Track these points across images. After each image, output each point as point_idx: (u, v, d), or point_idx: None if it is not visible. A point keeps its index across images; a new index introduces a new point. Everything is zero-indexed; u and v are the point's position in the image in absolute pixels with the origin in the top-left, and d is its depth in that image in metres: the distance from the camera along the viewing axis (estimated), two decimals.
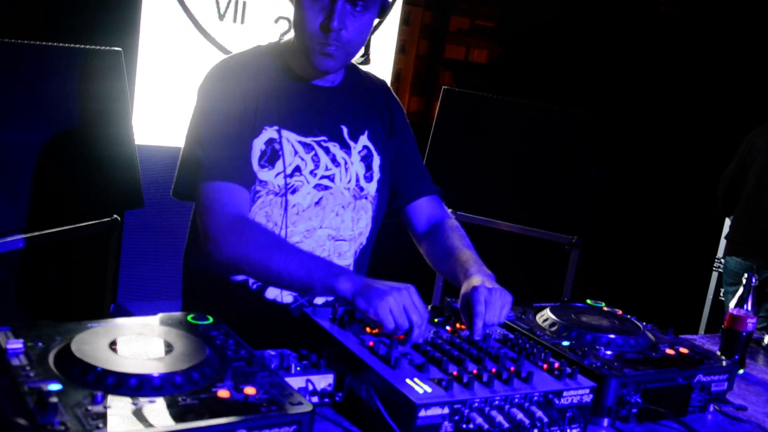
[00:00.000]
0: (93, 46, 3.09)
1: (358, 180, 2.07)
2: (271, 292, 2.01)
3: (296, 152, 1.97)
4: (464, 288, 1.90)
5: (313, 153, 1.99)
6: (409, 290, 1.68)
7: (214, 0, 4.11)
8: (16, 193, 2.73)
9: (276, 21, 4.30)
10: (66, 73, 2.94)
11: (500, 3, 7.25)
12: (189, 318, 1.66)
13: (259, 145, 1.93)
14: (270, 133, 1.94)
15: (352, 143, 2.07)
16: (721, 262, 4.69)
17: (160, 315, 1.67)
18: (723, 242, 4.66)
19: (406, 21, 5.50)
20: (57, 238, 2.97)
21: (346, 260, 2.09)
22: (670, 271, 5.16)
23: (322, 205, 2.01)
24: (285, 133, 1.95)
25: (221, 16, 4.15)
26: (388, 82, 4.85)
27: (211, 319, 1.66)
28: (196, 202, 1.91)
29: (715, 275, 4.78)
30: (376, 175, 2.11)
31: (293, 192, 1.96)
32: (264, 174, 1.93)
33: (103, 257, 3.31)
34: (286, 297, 2.01)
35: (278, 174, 1.94)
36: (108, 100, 3.15)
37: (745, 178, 4.19)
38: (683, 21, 6.17)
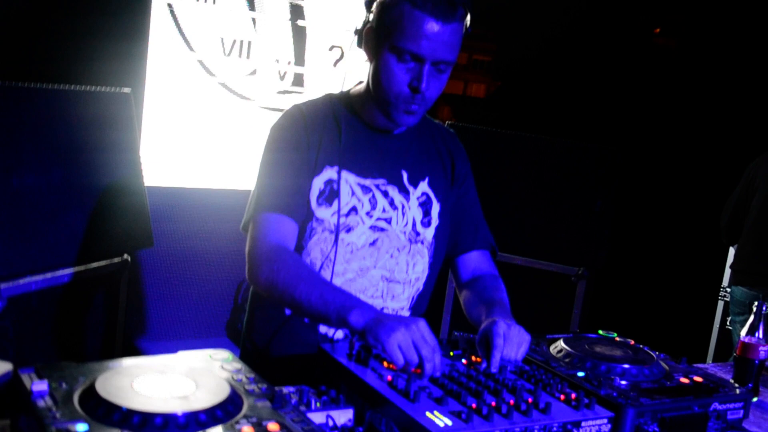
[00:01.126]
0: (102, 88, 3.13)
1: (414, 224, 2.11)
2: (323, 327, 2.06)
3: (353, 193, 2.03)
4: (483, 325, 1.92)
5: (370, 195, 2.05)
6: (419, 324, 1.69)
7: (220, 40, 4.15)
8: (29, 236, 2.74)
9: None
10: (76, 115, 2.98)
11: (497, 38, 7.32)
12: (209, 355, 1.67)
13: (318, 183, 2.00)
14: (330, 173, 2.01)
15: (411, 188, 2.11)
16: (726, 291, 4.69)
17: (180, 353, 1.68)
18: (728, 271, 4.66)
19: None
20: (69, 279, 2.98)
21: (400, 303, 2.12)
22: (676, 301, 5.16)
23: (377, 246, 2.06)
24: (344, 173, 2.02)
25: (226, 56, 4.20)
26: None
27: (230, 357, 1.67)
28: (249, 233, 1.99)
29: (721, 304, 4.78)
30: (435, 222, 2.15)
31: (348, 231, 2.02)
32: (321, 212, 2.00)
33: (114, 297, 3.32)
34: (338, 333, 2.06)
35: (334, 213, 2.00)
36: (118, 141, 3.18)
37: (748, 207, 4.21)
38: (679, 52, 6.23)
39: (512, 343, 1.81)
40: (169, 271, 4.07)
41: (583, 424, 1.60)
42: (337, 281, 2.03)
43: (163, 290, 4.10)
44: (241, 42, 4.22)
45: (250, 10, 4.20)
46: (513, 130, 4.34)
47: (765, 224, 4.10)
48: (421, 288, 2.16)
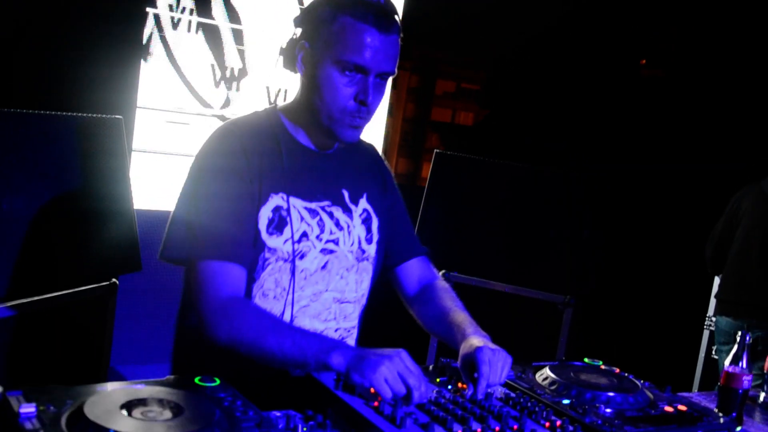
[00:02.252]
0: (94, 115, 3.14)
1: (360, 243, 2.09)
2: None
3: (302, 218, 1.98)
4: (464, 348, 1.92)
5: (318, 218, 2.01)
6: (401, 356, 1.69)
7: (210, 67, 4.18)
8: (18, 259, 2.74)
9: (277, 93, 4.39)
10: (67, 141, 2.99)
11: (485, 67, 7.37)
12: (197, 380, 1.67)
13: (266, 213, 1.94)
14: (276, 200, 1.95)
15: (353, 206, 2.10)
16: (712, 321, 4.71)
17: (168, 378, 1.69)
18: (713, 301, 4.69)
19: (393, 85, 5.61)
20: (56, 302, 2.98)
21: (351, 322, 2.11)
22: (662, 330, 5.18)
23: (328, 269, 2.03)
24: (292, 200, 1.97)
25: (217, 84, 4.23)
26: (379, 144, 4.93)
27: (218, 381, 1.68)
28: (191, 278, 1.90)
29: (706, 333, 4.81)
30: (375, 237, 2.14)
31: (301, 257, 1.97)
32: (272, 241, 1.94)
33: (101, 320, 3.32)
34: None
35: (286, 240, 1.95)
36: (108, 166, 3.19)
37: (732, 238, 4.25)
38: (665, 83, 6.29)
39: (496, 367, 1.81)
40: (158, 294, 4.06)
41: None
42: (291, 309, 1.99)
43: (151, 314, 4.09)
44: (232, 69, 4.25)
45: (237, 44, 4.23)
46: (501, 158, 4.37)
47: (748, 255, 4.13)
48: (365, 303, 2.16)
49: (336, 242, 2.04)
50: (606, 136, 5.85)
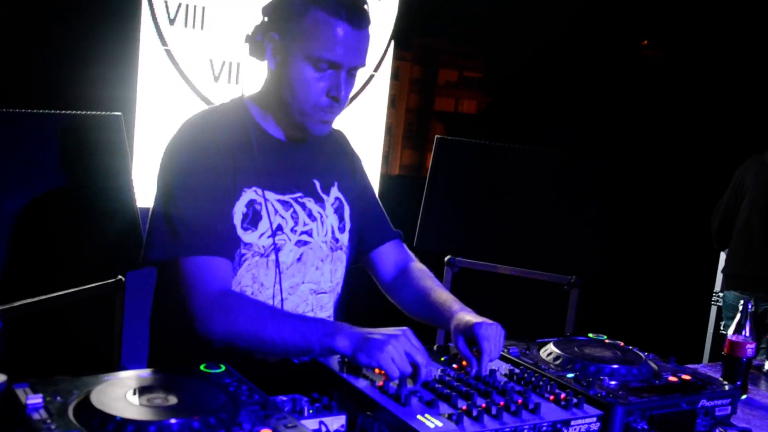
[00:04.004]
0: (93, 112, 3.16)
1: (333, 232, 2.09)
2: None
3: (276, 211, 1.96)
4: (459, 325, 1.93)
5: (291, 210, 1.99)
6: (406, 334, 1.70)
7: (209, 62, 4.20)
8: (22, 258, 2.76)
9: None
10: (67, 139, 3.00)
11: (487, 54, 7.37)
12: (202, 367, 1.69)
13: (240, 208, 1.92)
14: (250, 194, 1.93)
15: (324, 196, 2.08)
16: (719, 296, 4.71)
17: (174, 365, 1.70)
18: (720, 276, 4.69)
19: (395, 76, 5.62)
20: (63, 301, 3.00)
21: (327, 312, 2.10)
22: (669, 307, 5.18)
23: (303, 261, 2.02)
24: (267, 193, 1.95)
25: (216, 78, 4.24)
26: (381, 136, 4.94)
27: (223, 368, 1.69)
28: (177, 276, 1.86)
29: (714, 309, 4.81)
30: (348, 225, 2.14)
31: (278, 251, 1.96)
32: (248, 236, 1.92)
33: (109, 317, 3.34)
34: None
35: (262, 234, 1.94)
36: (109, 163, 3.21)
37: (737, 211, 4.25)
38: (666, 62, 6.28)
39: (497, 343, 1.85)
40: None
41: (572, 422, 1.62)
42: (271, 304, 1.97)
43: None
44: (230, 64, 4.26)
45: (233, 37, 4.23)
46: (506, 143, 4.37)
47: (754, 228, 4.13)
48: (340, 292, 2.15)
49: (310, 233, 2.02)
50: (609, 117, 5.85)
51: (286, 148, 2.03)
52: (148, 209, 3.77)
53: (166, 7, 4.00)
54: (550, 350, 1.98)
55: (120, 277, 3.29)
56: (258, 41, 1.95)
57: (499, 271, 4.11)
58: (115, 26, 3.87)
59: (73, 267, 3.01)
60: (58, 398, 1.44)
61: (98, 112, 3.18)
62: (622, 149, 5.51)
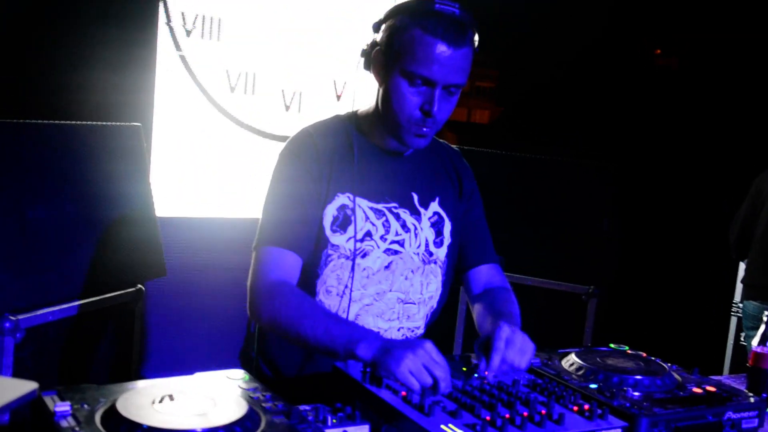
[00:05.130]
0: (113, 123, 3.18)
1: (427, 245, 2.11)
2: None
3: (367, 218, 2.03)
4: (485, 330, 1.94)
5: (384, 219, 2.05)
6: (425, 347, 1.69)
7: (225, 72, 4.21)
8: (44, 267, 2.78)
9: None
10: (88, 149, 3.03)
11: (499, 65, 7.38)
12: (226, 376, 1.70)
13: (331, 211, 2.00)
14: (342, 199, 2.01)
15: (422, 210, 2.12)
16: (738, 307, 4.68)
17: (197, 374, 1.71)
18: (739, 286, 4.66)
19: None
20: (84, 309, 3.02)
21: (416, 322, 2.13)
22: (689, 317, 5.16)
23: (392, 269, 2.06)
24: (357, 200, 2.01)
25: (232, 89, 4.25)
26: None
27: (247, 377, 1.70)
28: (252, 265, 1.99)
29: (734, 319, 4.78)
30: (447, 240, 2.15)
31: (363, 256, 2.02)
32: (336, 238, 2.00)
33: (129, 326, 3.35)
34: None
35: (349, 239, 2.00)
36: (129, 173, 3.23)
37: (756, 221, 4.23)
38: (680, 72, 6.27)
39: (515, 348, 1.79)
40: (182, 300, 4.10)
41: None
42: (355, 307, 2.03)
43: (175, 319, 4.12)
44: (246, 74, 4.27)
45: (248, 48, 4.25)
46: (518, 153, 4.37)
47: None
48: (435, 306, 2.17)
49: (401, 243, 2.07)
50: (623, 127, 5.83)
51: (388, 159, 2.09)
52: (167, 218, 3.82)
53: (183, 18, 4.02)
54: (572, 361, 1.98)
55: (140, 286, 3.31)
56: (368, 56, 2.01)
57: (517, 282, 4.10)
58: (132, 36, 3.89)
59: (93, 276, 3.03)
60: (85, 406, 1.45)
61: (118, 123, 3.20)
62: (637, 159, 5.50)
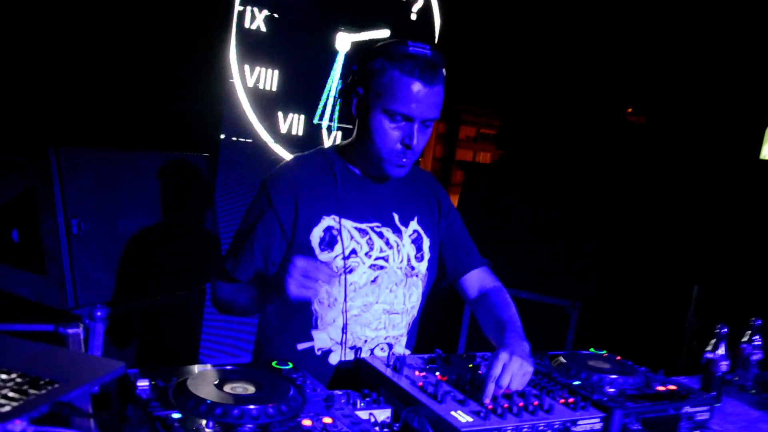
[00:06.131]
0: (187, 153, 3.19)
1: (409, 260, 2.00)
2: (334, 358, 1.94)
3: (352, 237, 1.91)
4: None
5: (367, 237, 1.93)
6: (295, 263, 1.61)
7: (278, 116, 4.20)
8: (129, 269, 2.80)
9: None
10: (166, 174, 3.04)
11: (501, 115, 7.41)
12: (273, 363, 1.70)
13: (318, 232, 1.87)
14: (328, 221, 1.88)
15: (403, 228, 2.00)
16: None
17: (250, 362, 1.71)
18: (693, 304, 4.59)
19: None
20: (160, 303, 3.05)
21: (399, 330, 2.01)
22: (655, 327, 5.07)
23: (378, 283, 1.94)
24: (343, 221, 1.89)
25: (283, 128, 4.24)
26: None
27: (291, 365, 1.70)
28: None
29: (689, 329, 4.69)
30: (427, 255, 2.04)
31: (350, 272, 1.89)
32: (324, 256, 1.87)
33: (197, 320, 3.37)
34: (349, 356, 1.94)
35: (337, 256, 1.87)
36: (197, 193, 3.24)
37: None
38: (652, 129, 6.23)
39: (511, 373, 1.65)
40: None
41: (579, 422, 1.60)
42: (343, 317, 1.92)
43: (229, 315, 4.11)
44: (294, 117, 4.26)
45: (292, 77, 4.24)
46: (516, 189, 4.36)
47: None
48: (416, 315, 2.06)
49: (386, 259, 1.95)
50: (604, 175, 5.76)
51: (368, 184, 1.96)
52: (229, 231, 3.79)
53: (246, 73, 4.04)
54: (560, 361, 1.96)
55: (202, 287, 3.32)
56: (347, 96, 1.90)
57: (513, 295, 4.06)
58: (207, 80, 3.90)
59: (166, 278, 3.04)
60: (161, 383, 1.46)
61: (191, 153, 3.22)
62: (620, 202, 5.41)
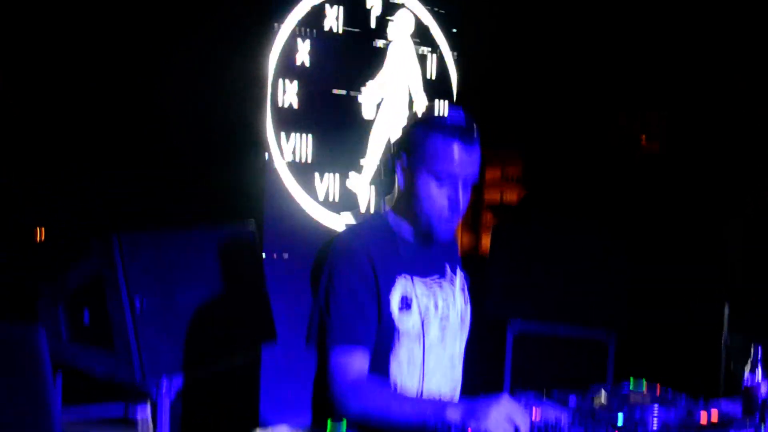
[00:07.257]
0: (234, 222, 3.25)
1: (461, 309, 2.03)
2: None
3: (424, 295, 1.92)
4: None
5: (433, 292, 1.94)
6: (504, 399, 1.64)
7: (314, 186, 3.98)
8: (189, 337, 2.85)
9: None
10: (216, 247, 3.10)
11: (525, 157, 7.47)
12: (329, 423, 1.70)
13: (396, 295, 1.87)
14: (402, 281, 1.88)
15: (453, 276, 2.03)
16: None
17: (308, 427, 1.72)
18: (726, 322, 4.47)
19: None
20: (214, 370, 3.08)
21: (459, 377, 2.03)
22: (690, 349, 4.95)
23: (444, 337, 1.94)
24: (414, 278, 1.90)
25: (319, 197, 3.96)
26: None
27: (345, 424, 1.71)
28: (324, 361, 1.84)
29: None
30: (468, 302, 2.07)
31: (428, 331, 1.90)
32: (403, 318, 1.87)
33: (248, 383, 3.39)
34: None
35: (413, 315, 1.88)
36: (246, 257, 3.29)
37: None
38: (665, 156, 6.20)
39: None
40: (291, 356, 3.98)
41: None
42: (420, 374, 1.91)
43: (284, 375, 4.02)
44: (328, 186, 4.02)
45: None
46: (541, 227, 4.38)
47: None
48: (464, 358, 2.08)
49: (448, 310, 1.97)
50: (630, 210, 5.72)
51: (421, 239, 1.95)
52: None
53: (286, 148, 3.89)
54: (601, 396, 1.93)
55: (256, 351, 3.34)
56: (389, 164, 1.93)
57: (547, 333, 4.01)
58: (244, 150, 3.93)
59: (219, 345, 3.08)
60: None
61: (237, 221, 3.27)
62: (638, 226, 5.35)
